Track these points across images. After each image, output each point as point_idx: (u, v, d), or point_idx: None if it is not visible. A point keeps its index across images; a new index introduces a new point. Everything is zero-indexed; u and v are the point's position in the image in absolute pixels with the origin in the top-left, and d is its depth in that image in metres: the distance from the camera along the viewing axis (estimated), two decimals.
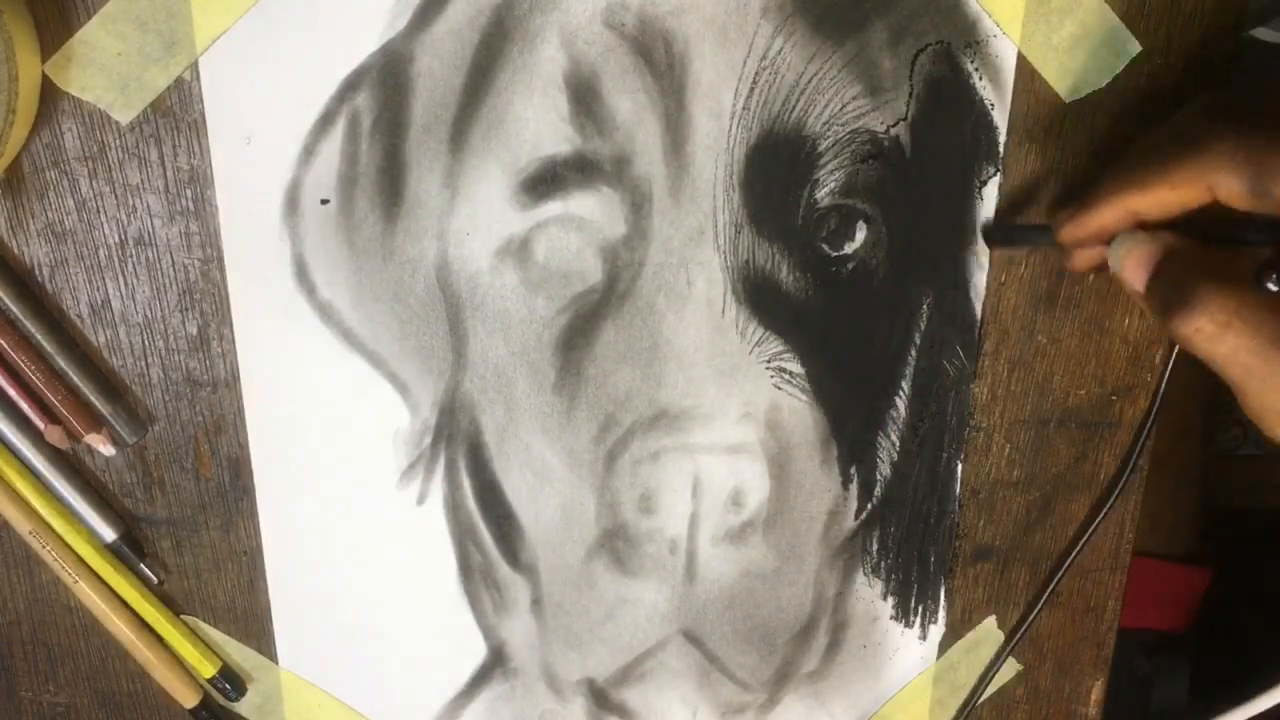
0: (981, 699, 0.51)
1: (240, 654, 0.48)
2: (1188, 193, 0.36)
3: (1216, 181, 0.35)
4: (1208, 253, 0.36)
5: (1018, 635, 0.50)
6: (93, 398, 0.43)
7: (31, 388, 0.42)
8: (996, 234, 0.44)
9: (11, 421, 0.43)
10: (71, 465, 0.44)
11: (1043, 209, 0.44)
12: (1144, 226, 0.38)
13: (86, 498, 0.44)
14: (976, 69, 0.42)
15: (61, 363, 0.42)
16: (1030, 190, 0.43)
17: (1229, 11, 0.41)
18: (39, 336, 0.42)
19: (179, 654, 0.47)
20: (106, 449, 0.43)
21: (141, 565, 0.45)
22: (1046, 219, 0.43)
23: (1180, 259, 0.37)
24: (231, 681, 0.48)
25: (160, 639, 0.47)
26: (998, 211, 0.44)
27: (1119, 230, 0.38)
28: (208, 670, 0.47)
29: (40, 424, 0.43)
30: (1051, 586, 0.49)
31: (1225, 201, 0.35)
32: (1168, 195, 0.36)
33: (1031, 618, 0.50)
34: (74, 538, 0.45)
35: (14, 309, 0.42)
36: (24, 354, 0.42)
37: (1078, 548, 0.48)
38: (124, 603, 0.46)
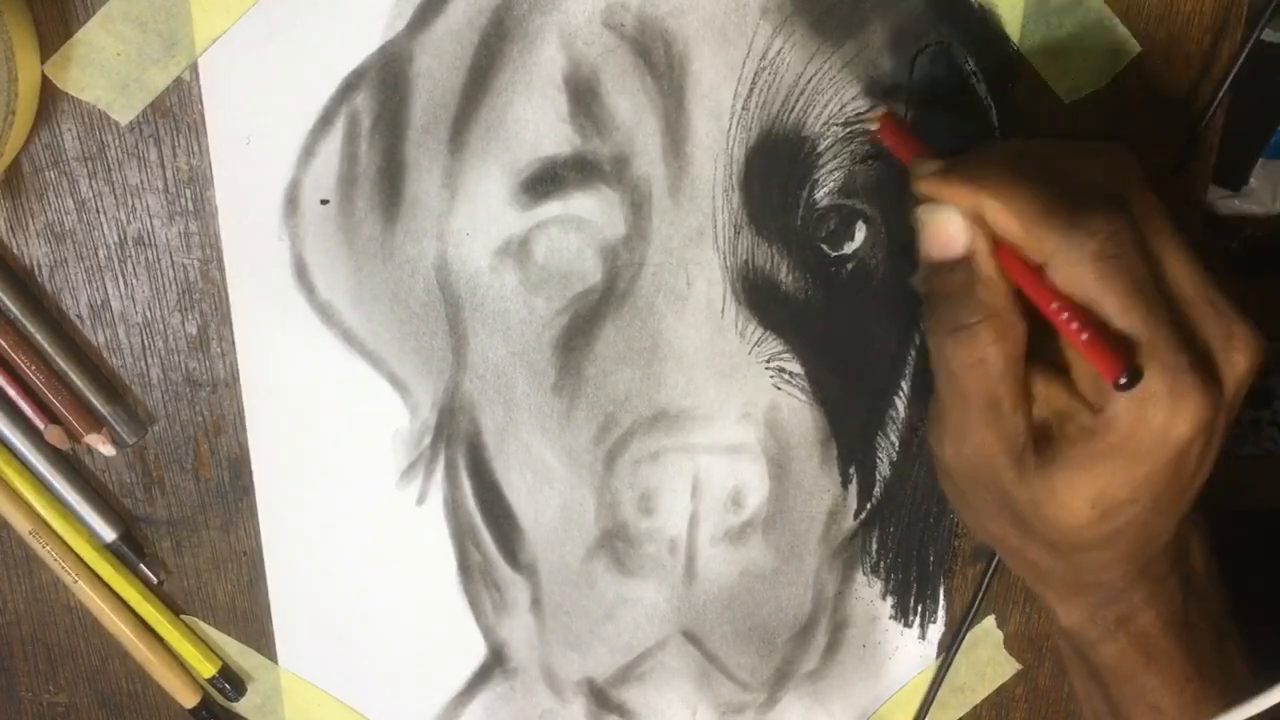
0: (953, 661, 0.51)
1: (240, 654, 0.48)
2: (1033, 246, 0.35)
3: (1058, 266, 0.34)
4: (1002, 283, 0.36)
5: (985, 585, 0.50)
6: (92, 398, 0.43)
7: (31, 388, 0.42)
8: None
9: (11, 421, 0.43)
10: (71, 465, 0.44)
11: None
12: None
13: (86, 498, 0.44)
14: (976, 69, 0.42)
15: (61, 363, 0.42)
16: None
17: (1228, 11, 0.41)
18: (39, 337, 0.42)
19: (179, 654, 0.47)
20: (106, 449, 0.43)
21: (141, 565, 0.45)
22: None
23: (973, 274, 0.36)
24: (231, 681, 0.48)
25: (160, 639, 0.47)
26: None
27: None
28: (207, 670, 0.47)
29: (40, 424, 0.43)
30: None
31: (1051, 275, 0.35)
32: (1015, 232, 0.35)
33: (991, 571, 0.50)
34: (74, 537, 0.45)
35: (13, 309, 0.42)
36: (24, 354, 0.42)
37: None
38: (124, 603, 0.46)
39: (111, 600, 0.46)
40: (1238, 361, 0.35)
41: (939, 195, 0.36)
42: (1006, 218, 0.35)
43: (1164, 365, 0.34)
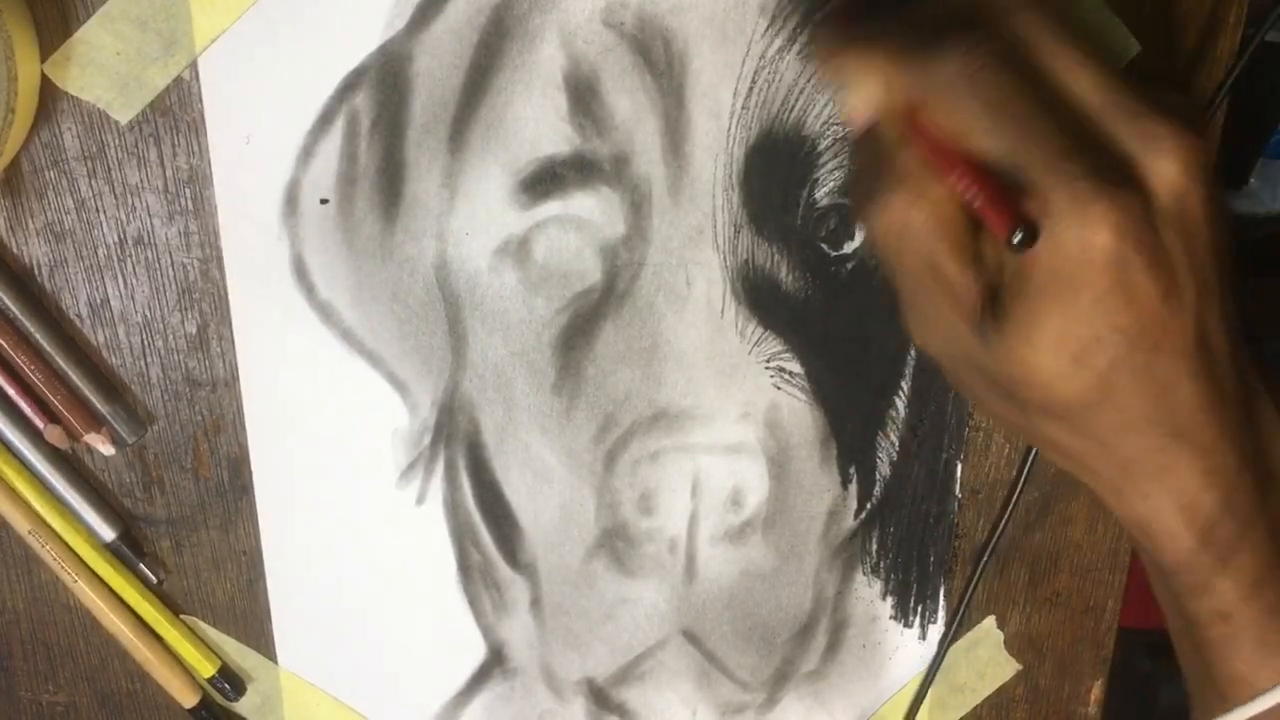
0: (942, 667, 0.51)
1: (240, 654, 0.48)
2: (894, 97, 0.32)
3: (922, 104, 0.32)
4: (909, 155, 0.33)
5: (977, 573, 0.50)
6: (92, 397, 0.43)
7: (31, 387, 0.42)
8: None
9: (11, 421, 0.43)
10: (71, 465, 0.44)
11: None
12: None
13: (85, 497, 0.44)
14: None
15: (61, 362, 0.42)
16: None
17: (1228, 11, 0.41)
18: (38, 336, 0.42)
19: (178, 654, 0.47)
20: (106, 448, 0.43)
21: (140, 565, 0.45)
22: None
23: (887, 138, 0.33)
24: (231, 681, 0.48)
25: (159, 639, 0.47)
26: None
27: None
28: (207, 670, 0.47)
29: (40, 423, 0.43)
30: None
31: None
32: (881, 91, 0.33)
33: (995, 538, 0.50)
34: (73, 537, 0.45)
35: (13, 308, 0.42)
36: (23, 353, 0.42)
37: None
38: (123, 602, 0.46)
39: (111, 600, 0.46)
40: (1162, 164, 0.31)
41: (824, 74, 0.35)
42: (870, 74, 0.33)
43: (1058, 179, 0.30)
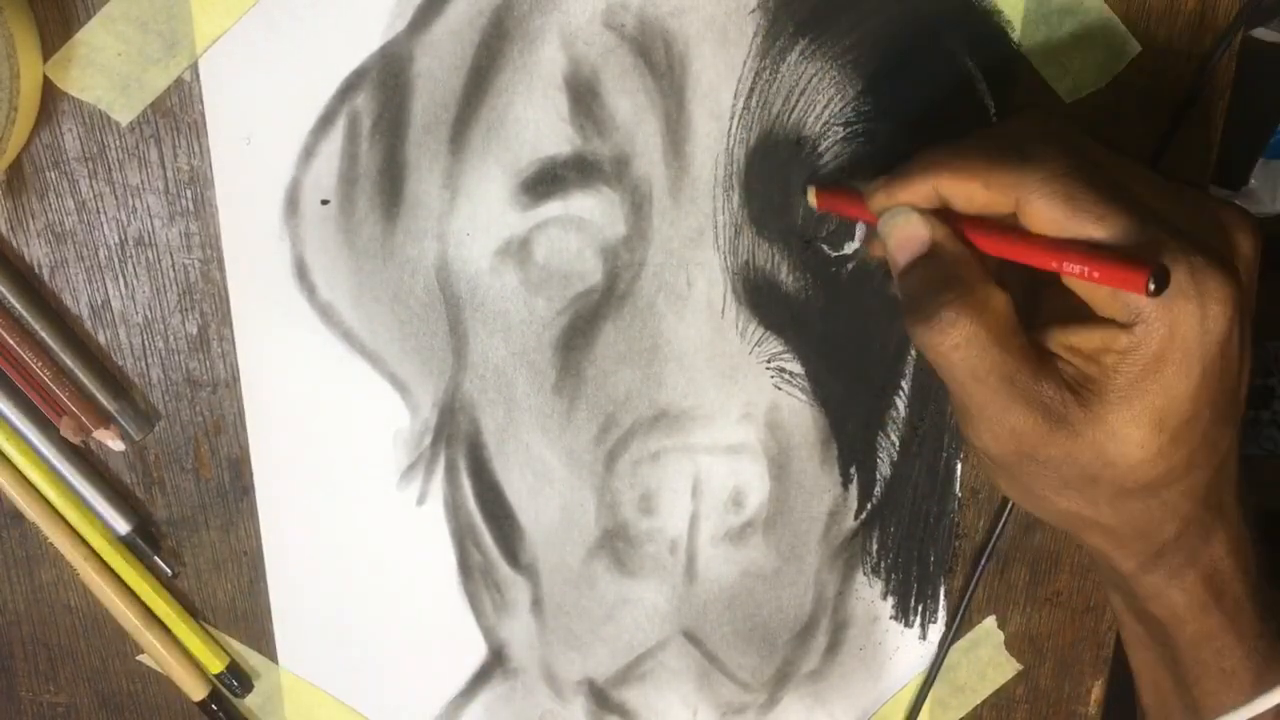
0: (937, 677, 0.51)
1: (241, 654, 0.48)
2: (998, 199, 0.34)
3: (1026, 200, 0.33)
4: (973, 263, 0.35)
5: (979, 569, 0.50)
6: (98, 394, 0.43)
7: (41, 385, 0.42)
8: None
9: (25, 417, 0.43)
10: (85, 459, 0.44)
11: None
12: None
13: (100, 491, 0.44)
14: (976, 69, 0.42)
15: (67, 360, 0.42)
16: None
17: (1229, 11, 0.41)
18: (44, 334, 0.42)
19: (189, 649, 0.47)
20: (115, 444, 0.43)
21: (156, 558, 0.45)
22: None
23: (942, 261, 0.35)
24: (239, 678, 0.48)
25: (171, 634, 0.47)
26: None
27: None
28: (216, 666, 0.47)
29: (53, 419, 0.43)
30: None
31: (1026, 222, 0.34)
32: (978, 192, 0.35)
33: (1000, 528, 0.50)
34: (88, 530, 0.45)
35: (18, 307, 0.42)
36: (30, 351, 0.42)
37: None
38: (136, 597, 0.46)
39: (124, 593, 0.46)
40: (1241, 242, 0.34)
41: (896, 199, 0.36)
42: (963, 180, 0.35)
43: (1174, 257, 0.32)
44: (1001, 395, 0.34)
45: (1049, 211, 0.33)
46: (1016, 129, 0.36)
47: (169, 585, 0.47)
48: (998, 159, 0.34)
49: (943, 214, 0.36)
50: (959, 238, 0.35)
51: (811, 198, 0.42)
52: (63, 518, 0.44)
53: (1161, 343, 0.32)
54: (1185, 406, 0.33)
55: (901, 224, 0.36)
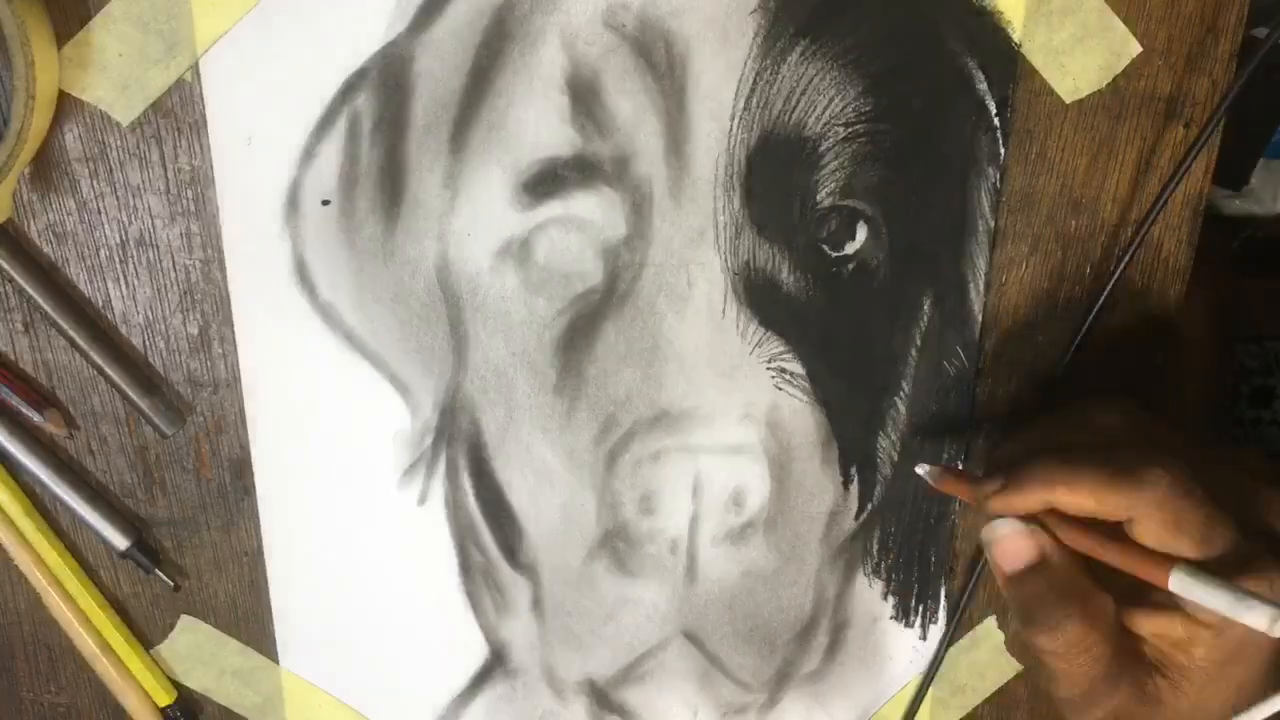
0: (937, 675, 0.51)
1: (241, 654, 0.48)
2: (1107, 512, 0.37)
3: (1138, 521, 0.36)
4: (1083, 573, 0.39)
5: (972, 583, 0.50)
6: (130, 391, 0.43)
7: (21, 379, 0.42)
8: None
9: (12, 435, 0.43)
10: (79, 475, 0.44)
11: (1041, 217, 0.44)
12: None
13: (96, 508, 0.44)
14: (976, 69, 0.42)
15: (97, 358, 0.42)
16: (1030, 191, 0.43)
17: (1229, 11, 0.41)
18: (72, 333, 0.42)
19: (139, 681, 0.47)
20: (59, 429, 0.43)
21: (157, 571, 0.45)
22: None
23: (1054, 572, 0.39)
24: (185, 713, 0.48)
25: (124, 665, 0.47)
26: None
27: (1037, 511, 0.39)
28: (164, 699, 0.48)
29: (36, 415, 0.43)
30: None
31: (1134, 535, 0.37)
32: (1088, 504, 0.37)
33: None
34: (52, 556, 0.45)
35: (46, 307, 0.42)
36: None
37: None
38: (94, 627, 0.46)
39: (85, 621, 0.46)
40: None
41: (1013, 508, 0.39)
42: (1079, 497, 0.37)
43: (1262, 573, 0.35)
44: (1109, 684, 0.39)
45: (1159, 532, 0.36)
46: (1116, 438, 0.40)
47: (126, 618, 0.47)
48: (1110, 479, 0.37)
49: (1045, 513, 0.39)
50: (1064, 548, 0.39)
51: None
52: (29, 543, 0.44)
53: (1241, 642, 0.37)
54: (1257, 678, 0.38)
55: (1007, 536, 0.39)
